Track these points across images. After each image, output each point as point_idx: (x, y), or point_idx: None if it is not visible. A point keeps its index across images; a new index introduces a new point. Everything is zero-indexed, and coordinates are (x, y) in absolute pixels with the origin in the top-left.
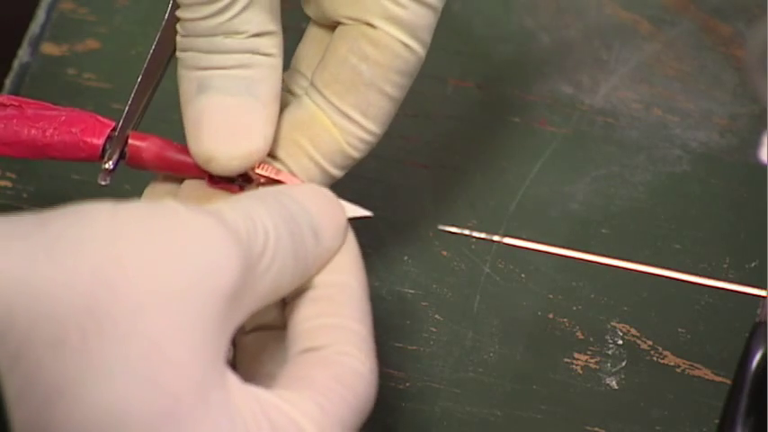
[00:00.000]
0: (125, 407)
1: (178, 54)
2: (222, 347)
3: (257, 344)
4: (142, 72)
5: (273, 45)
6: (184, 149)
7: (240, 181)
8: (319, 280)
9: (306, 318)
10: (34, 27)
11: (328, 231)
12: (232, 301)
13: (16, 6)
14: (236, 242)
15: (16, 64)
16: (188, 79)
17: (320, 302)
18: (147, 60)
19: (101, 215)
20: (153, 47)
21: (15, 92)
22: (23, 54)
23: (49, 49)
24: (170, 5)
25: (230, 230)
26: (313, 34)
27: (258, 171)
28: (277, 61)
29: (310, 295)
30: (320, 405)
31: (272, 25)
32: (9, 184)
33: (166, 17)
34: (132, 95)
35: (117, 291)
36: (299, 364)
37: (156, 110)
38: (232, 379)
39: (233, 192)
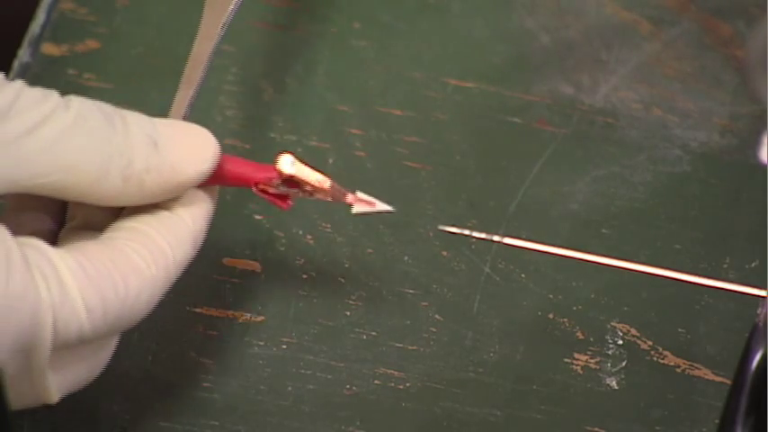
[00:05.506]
0: None
1: None
2: None
3: (78, 241)
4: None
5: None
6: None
7: (286, 188)
8: (167, 204)
9: (125, 219)
10: (34, 27)
11: (175, 148)
12: None
13: (16, 6)
14: None
15: (16, 64)
16: None
17: (150, 216)
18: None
19: None
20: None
21: None
22: (23, 54)
23: (49, 49)
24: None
25: None
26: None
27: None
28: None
29: (149, 208)
30: (83, 265)
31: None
32: None
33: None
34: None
35: None
36: (88, 241)
37: None
38: None
39: (284, 200)
